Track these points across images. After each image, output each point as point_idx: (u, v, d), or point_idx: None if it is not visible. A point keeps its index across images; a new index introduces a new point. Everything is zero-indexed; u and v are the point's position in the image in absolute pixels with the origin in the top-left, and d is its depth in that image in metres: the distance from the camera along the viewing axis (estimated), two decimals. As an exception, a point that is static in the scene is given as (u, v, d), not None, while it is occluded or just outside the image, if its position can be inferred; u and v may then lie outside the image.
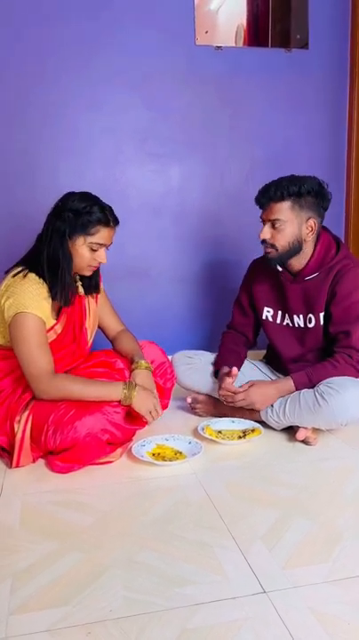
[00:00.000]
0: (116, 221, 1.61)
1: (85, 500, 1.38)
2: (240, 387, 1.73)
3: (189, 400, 1.96)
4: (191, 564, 1.10)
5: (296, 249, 1.69)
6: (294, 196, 1.63)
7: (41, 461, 1.60)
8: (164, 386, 1.85)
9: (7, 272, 1.60)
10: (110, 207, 1.60)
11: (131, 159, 2.43)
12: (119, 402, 1.58)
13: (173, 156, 2.46)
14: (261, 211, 1.71)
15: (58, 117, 2.31)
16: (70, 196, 1.58)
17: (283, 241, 1.67)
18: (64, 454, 1.52)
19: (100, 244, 1.58)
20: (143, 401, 1.60)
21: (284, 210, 1.64)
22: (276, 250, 1.68)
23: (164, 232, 2.52)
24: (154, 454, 1.60)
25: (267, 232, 1.68)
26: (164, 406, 1.87)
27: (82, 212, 1.54)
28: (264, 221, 1.70)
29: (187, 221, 2.53)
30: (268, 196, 1.65)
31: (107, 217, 1.57)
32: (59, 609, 0.98)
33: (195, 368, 1.95)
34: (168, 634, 0.91)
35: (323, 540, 1.18)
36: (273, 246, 1.68)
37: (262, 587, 1.03)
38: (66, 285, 1.58)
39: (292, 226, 1.65)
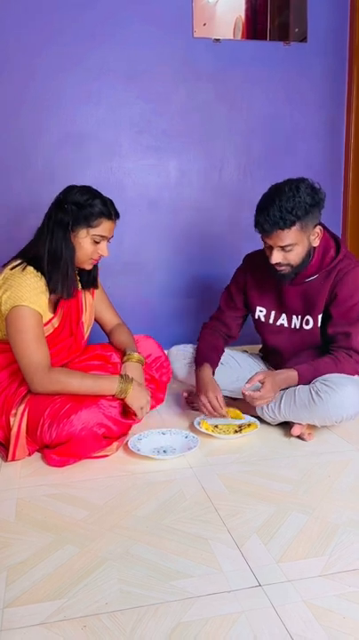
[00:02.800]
0: (117, 215, 1.61)
1: (81, 493, 1.38)
2: (247, 383, 1.64)
3: (185, 394, 1.96)
4: (186, 558, 1.10)
5: (308, 258, 1.64)
6: (302, 217, 1.53)
7: (37, 455, 1.60)
8: (160, 380, 1.85)
9: (5, 265, 1.59)
10: (111, 200, 1.60)
11: (128, 152, 2.42)
12: (113, 395, 1.58)
13: (170, 149, 2.45)
14: (263, 234, 1.58)
15: (54, 110, 2.30)
16: (72, 188, 1.58)
17: (297, 259, 1.60)
18: (60, 448, 1.52)
19: (102, 237, 1.58)
20: (137, 396, 1.61)
21: (293, 233, 1.53)
22: (291, 267, 1.62)
23: (161, 225, 2.51)
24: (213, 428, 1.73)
25: (278, 256, 1.58)
26: (160, 400, 1.87)
27: (84, 204, 1.54)
28: (271, 246, 1.58)
29: (184, 215, 2.52)
30: (276, 225, 1.52)
31: (109, 209, 1.58)
32: (54, 602, 0.98)
33: (191, 362, 1.94)
34: (163, 627, 0.92)
35: (319, 533, 1.18)
36: (287, 264, 1.61)
37: (258, 580, 1.03)
38: (68, 276, 1.57)
39: (303, 243, 1.58)
